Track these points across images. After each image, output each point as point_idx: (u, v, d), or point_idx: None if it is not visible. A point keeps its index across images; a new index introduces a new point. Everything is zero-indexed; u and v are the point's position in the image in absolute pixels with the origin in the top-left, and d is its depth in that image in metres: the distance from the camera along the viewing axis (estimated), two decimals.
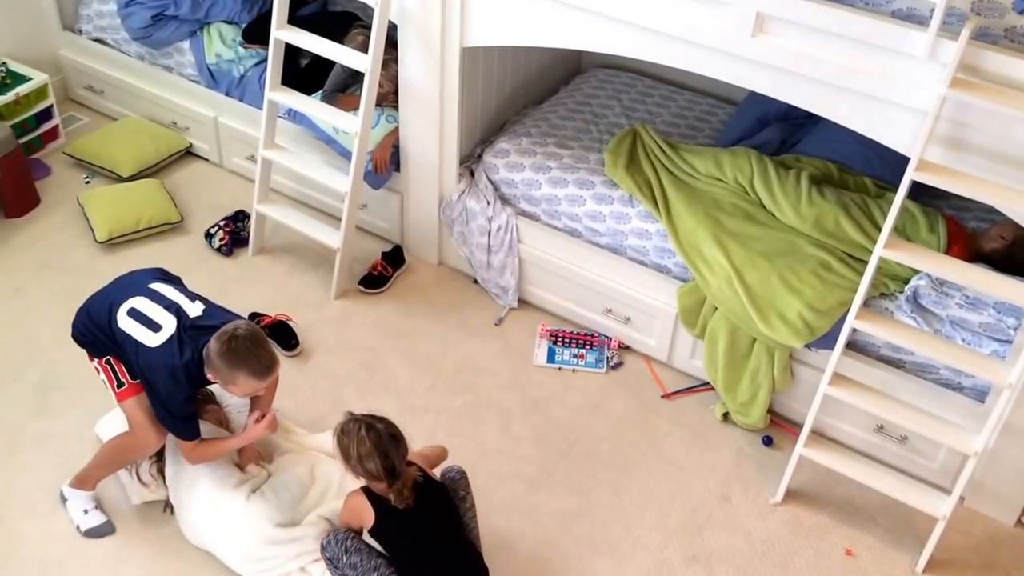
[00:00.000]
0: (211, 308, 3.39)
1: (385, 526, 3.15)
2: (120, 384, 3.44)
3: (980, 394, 3.77)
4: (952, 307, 3.70)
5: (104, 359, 3.46)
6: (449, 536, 3.24)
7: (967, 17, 3.15)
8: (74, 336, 3.52)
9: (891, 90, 3.32)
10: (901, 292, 3.84)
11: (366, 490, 3.16)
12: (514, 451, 4.06)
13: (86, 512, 3.67)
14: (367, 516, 3.14)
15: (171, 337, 3.25)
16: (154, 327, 3.28)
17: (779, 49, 3.44)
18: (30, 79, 5.31)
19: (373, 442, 3.03)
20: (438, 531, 3.21)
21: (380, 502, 3.13)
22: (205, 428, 3.56)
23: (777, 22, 3.41)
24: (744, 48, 3.49)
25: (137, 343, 3.28)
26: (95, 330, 3.43)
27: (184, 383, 3.27)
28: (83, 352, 3.54)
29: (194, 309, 3.35)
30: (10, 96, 5.20)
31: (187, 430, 3.40)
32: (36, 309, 4.55)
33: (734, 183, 4.25)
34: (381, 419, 3.12)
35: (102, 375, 3.49)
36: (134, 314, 3.33)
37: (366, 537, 3.25)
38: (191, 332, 3.28)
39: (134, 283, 3.46)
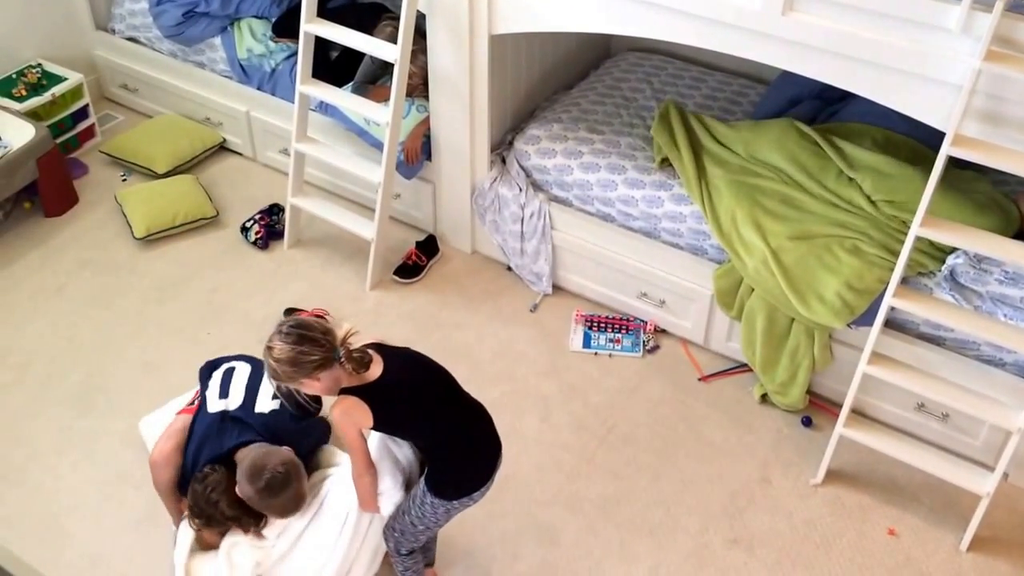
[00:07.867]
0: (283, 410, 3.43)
1: (371, 396, 2.89)
2: (191, 402, 3.57)
3: (1022, 370, 3.72)
4: (992, 283, 3.65)
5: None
6: (427, 372, 3.07)
7: None
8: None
9: (925, 65, 3.27)
10: (939, 271, 3.80)
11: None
12: (554, 440, 4.06)
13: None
14: (356, 408, 2.87)
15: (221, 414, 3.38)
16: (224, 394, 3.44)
17: (810, 26, 3.40)
18: (65, 79, 5.39)
19: (280, 343, 2.84)
20: (413, 366, 3.04)
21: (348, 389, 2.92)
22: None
23: None
24: (774, 26, 3.46)
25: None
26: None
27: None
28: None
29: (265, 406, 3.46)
30: (46, 96, 5.28)
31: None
32: (78, 309, 4.61)
33: (774, 162, 4.19)
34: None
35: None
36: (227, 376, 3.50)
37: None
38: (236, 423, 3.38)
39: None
